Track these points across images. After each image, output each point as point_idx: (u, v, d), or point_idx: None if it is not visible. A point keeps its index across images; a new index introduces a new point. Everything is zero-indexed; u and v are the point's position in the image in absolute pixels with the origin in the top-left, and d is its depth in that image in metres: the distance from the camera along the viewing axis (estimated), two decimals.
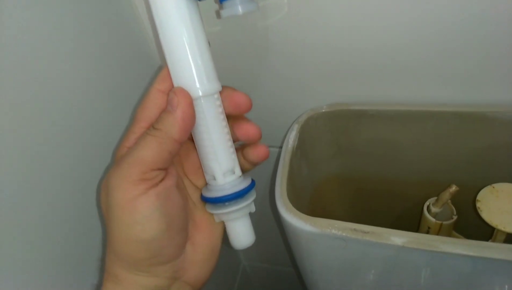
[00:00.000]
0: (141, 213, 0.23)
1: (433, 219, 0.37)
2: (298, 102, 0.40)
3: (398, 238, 0.26)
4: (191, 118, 0.24)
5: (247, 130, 0.27)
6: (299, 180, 0.37)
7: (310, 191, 0.41)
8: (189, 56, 0.24)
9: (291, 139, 0.36)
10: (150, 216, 0.23)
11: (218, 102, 0.26)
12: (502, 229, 0.31)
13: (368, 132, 0.39)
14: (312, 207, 0.40)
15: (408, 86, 0.36)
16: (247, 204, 0.27)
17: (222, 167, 0.26)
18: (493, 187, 0.34)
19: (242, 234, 0.28)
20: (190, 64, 0.24)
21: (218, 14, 0.34)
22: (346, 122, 0.38)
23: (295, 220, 0.29)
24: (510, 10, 0.29)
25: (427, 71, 0.34)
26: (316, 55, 0.35)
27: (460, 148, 0.36)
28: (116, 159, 0.25)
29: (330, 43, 0.34)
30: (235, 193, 0.26)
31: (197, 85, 0.24)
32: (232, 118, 0.27)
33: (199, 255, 0.27)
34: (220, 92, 0.26)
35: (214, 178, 0.27)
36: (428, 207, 0.38)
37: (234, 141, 0.27)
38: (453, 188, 0.36)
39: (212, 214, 0.28)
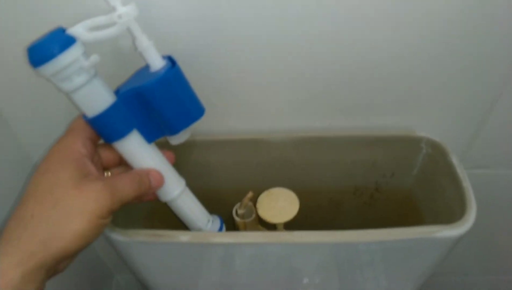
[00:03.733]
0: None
1: (237, 218, 0.49)
2: None
3: (184, 236, 0.36)
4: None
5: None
6: None
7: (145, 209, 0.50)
8: (168, 177, 0.37)
9: None
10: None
11: (187, 190, 0.40)
12: (270, 221, 0.43)
13: (190, 157, 0.49)
14: (149, 222, 0.49)
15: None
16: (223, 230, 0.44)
17: (203, 222, 0.41)
18: (269, 191, 0.46)
19: None
20: (168, 180, 0.38)
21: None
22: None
23: (112, 233, 0.37)
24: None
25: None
26: None
27: (252, 163, 0.49)
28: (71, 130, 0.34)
29: None
30: (219, 230, 0.43)
31: (178, 187, 0.39)
32: None
33: None
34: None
35: (200, 229, 0.41)
36: (236, 210, 0.50)
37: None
38: (250, 194, 0.48)
39: None
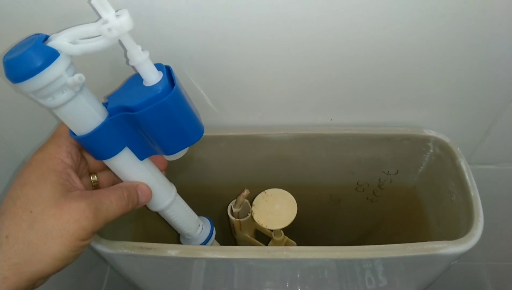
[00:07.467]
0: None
1: (232, 218, 0.46)
2: None
3: (172, 250, 0.34)
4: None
5: None
6: None
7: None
8: (158, 189, 0.35)
9: None
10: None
11: (178, 198, 0.37)
12: (265, 227, 0.41)
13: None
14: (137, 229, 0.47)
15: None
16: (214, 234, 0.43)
17: (193, 229, 0.40)
18: (265, 193, 0.44)
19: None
20: (158, 192, 0.35)
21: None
22: None
23: (97, 245, 0.35)
24: None
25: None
26: None
27: (247, 160, 0.46)
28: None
29: None
30: (209, 235, 0.41)
31: (168, 198, 0.36)
32: None
33: None
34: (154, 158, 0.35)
35: (189, 235, 0.40)
36: (231, 207, 0.48)
37: None
38: (245, 191, 0.45)
39: None
